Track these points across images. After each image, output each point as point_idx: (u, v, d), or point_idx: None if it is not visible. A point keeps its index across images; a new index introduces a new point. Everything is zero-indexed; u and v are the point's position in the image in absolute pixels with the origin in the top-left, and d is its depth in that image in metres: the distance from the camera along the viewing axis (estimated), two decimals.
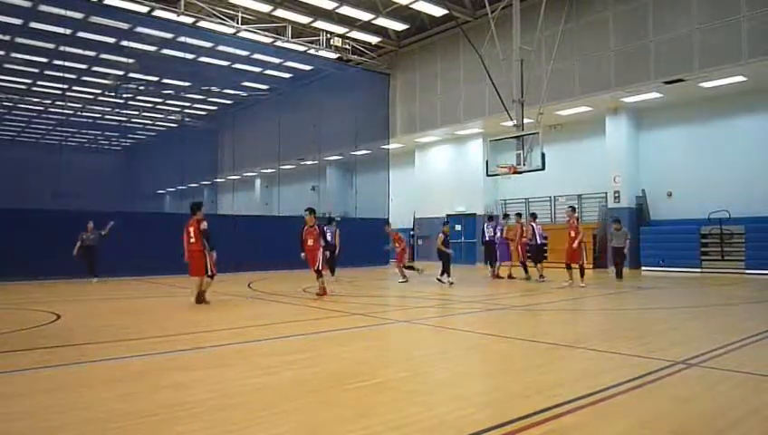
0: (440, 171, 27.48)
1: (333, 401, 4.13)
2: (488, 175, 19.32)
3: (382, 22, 23.89)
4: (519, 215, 17.83)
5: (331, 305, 10.08)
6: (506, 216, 18.59)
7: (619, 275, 16.11)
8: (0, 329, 7.58)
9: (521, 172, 16.96)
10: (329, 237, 16.06)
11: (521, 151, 16.83)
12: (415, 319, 8.40)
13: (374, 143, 27.49)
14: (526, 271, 16.58)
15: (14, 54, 26.78)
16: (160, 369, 5.29)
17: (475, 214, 25.36)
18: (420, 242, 27.25)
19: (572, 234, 14.29)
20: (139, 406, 3.99)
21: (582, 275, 14.29)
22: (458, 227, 25.34)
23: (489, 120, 22.94)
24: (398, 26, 24.59)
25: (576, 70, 20.08)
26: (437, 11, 22.65)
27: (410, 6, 22.24)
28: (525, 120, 17.30)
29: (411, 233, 27.33)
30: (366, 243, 22.39)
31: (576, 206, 18.73)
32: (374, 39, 25.90)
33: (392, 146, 27.84)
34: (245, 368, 5.32)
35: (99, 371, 5.24)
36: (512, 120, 17.49)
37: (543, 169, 16.18)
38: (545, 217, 23.08)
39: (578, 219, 14.91)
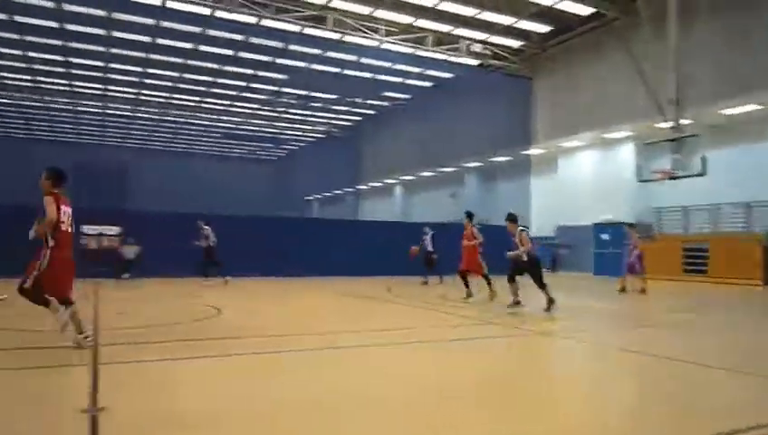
0: (585, 177, 26.16)
1: (467, 408, 4.12)
2: (640, 181, 18.06)
3: (524, 25, 23.39)
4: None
5: (467, 312, 10.02)
6: (631, 225, 14.85)
7: None
8: (174, 319, 8.53)
9: (677, 178, 15.65)
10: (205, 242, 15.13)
11: (677, 155, 15.55)
12: (558, 332, 8.09)
13: (515, 149, 26.94)
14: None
15: (185, 75, 29.99)
16: (317, 363, 5.62)
17: (623, 223, 23.82)
18: (562, 252, 26.12)
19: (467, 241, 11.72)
20: (300, 395, 4.27)
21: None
22: (605, 237, 23.95)
23: (640, 122, 21.41)
24: (542, 28, 23.92)
25: (743, 64, 18.09)
26: (584, 10, 21.70)
27: (554, 7, 21.55)
28: (682, 121, 15.95)
29: (554, 242, 26.31)
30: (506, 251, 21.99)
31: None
32: (516, 43, 25.43)
33: (534, 151, 27.09)
34: (386, 369, 5.46)
35: (260, 362, 5.69)
36: (667, 121, 16.21)
37: (704, 174, 14.80)
38: (705, 226, 21.02)
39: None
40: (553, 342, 7.60)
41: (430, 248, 16.27)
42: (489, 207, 27.62)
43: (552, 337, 7.87)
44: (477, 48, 24.99)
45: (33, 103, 36.07)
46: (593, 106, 23.86)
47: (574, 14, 22.59)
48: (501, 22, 23.06)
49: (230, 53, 26.54)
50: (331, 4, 21.46)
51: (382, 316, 10.06)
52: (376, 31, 22.94)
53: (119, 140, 46.95)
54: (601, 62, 23.47)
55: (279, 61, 27.57)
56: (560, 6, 21.47)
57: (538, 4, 21.34)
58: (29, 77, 30.87)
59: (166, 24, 23.09)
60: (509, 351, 6.92)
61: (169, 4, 20.53)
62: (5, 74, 30.28)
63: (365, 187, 43.57)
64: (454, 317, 9.43)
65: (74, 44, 25.59)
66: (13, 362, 5.48)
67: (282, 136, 45.17)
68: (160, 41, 25.11)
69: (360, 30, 22.62)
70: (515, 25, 23.39)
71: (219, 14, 20.95)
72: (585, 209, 25.25)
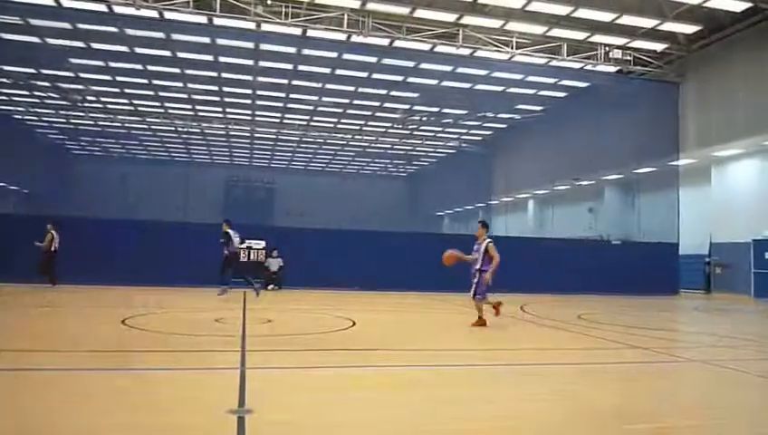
0: (744, 189, 23.61)
1: None
2: None
3: (669, 26, 21.84)
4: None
5: (611, 336, 9.47)
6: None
7: None
8: (308, 330, 9.02)
9: None
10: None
11: None
12: (713, 359, 7.39)
13: (660, 160, 25.06)
14: None
15: (323, 98, 31.59)
16: (436, 381, 5.68)
17: None
18: (718, 270, 23.77)
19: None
20: (413, 416, 4.35)
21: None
22: None
23: None
24: (689, 29, 22.17)
25: None
26: (738, 5, 19.81)
27: (703, 6, 19.89)
28: None
29: (707, 260, 24.04)
30: (651, 269, 20.71)
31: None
32: (659, 46, 23.78)
33: (682, 162, 25.01)
34: (515, 391, 5.37)
35: (378, 376, 5.87)
36: None
37: None
38: None
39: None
40: (705, 370, 6.96)
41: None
42: (631, 223, 25.96)
43: (704, 365, 7.21)
44: (617, 54, 23.69)
45: (192, 130, 39.99)
46: (754, 110, 21.56)
47: (727, 12, 20.69)
48: (643, 25, 21.73)
49: (364, 75, 27.58)
50: (462, 21, 21.57)
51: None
52: (507, 44, 22.66)
53: (265, 161, 50.43)
54: (762, 61, 21.19)
55: (410, 80, 28.15)
56: (709, 4, 19.78)
57: (685, 3, 19.85)
58: (189, 106, 34.36)
59: (305, 51, 24.57)
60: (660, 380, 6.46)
61: (310, 33, 21.84)
62: (169, 105, 33.95)
63: (496, 202, 42.85)
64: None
65: (226, 75, 28.12)
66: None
67: (413, 153, 45.83)
68: (301, 67, 26.75)
69: (492, 44, 22.47)
70: (659, 28, 21.91)
71: (355, 38, 21.91)
72: (743, 225, 22.77)
